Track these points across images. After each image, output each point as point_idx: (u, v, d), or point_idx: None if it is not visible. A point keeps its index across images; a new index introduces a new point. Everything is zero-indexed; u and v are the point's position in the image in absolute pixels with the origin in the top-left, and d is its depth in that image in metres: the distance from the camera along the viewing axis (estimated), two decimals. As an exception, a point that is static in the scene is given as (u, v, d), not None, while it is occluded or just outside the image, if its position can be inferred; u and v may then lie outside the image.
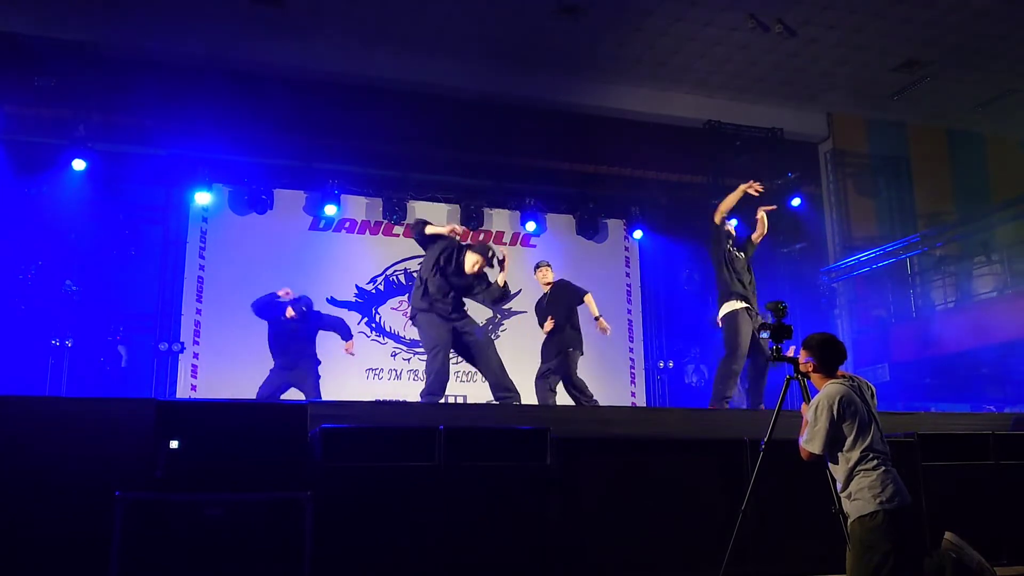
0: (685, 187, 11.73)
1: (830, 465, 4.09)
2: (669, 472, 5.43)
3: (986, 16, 9.62)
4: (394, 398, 9.42)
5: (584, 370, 7.89)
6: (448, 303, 6.78)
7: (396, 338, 10.39)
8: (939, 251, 11.52)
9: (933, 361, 10.56)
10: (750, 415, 6.96)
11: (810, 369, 4.25)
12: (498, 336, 10.89)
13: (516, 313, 10.94)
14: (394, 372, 10.30)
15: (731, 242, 7.48)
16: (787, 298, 5.31)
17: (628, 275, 11.65)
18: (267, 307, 7.79)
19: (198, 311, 9.79)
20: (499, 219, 11.27)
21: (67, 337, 8.99)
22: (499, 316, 10.96)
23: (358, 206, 10.71)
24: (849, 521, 3.98)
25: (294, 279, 10.00)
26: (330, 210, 10.27)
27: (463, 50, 10.15)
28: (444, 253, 6.85)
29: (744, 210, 11.29)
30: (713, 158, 11.40)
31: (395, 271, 10.62)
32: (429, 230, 6.91)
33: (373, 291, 10.46)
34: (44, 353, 8.89)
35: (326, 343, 8.09)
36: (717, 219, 7.42)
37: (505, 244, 11.28)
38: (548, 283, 8.04)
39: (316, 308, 8.14)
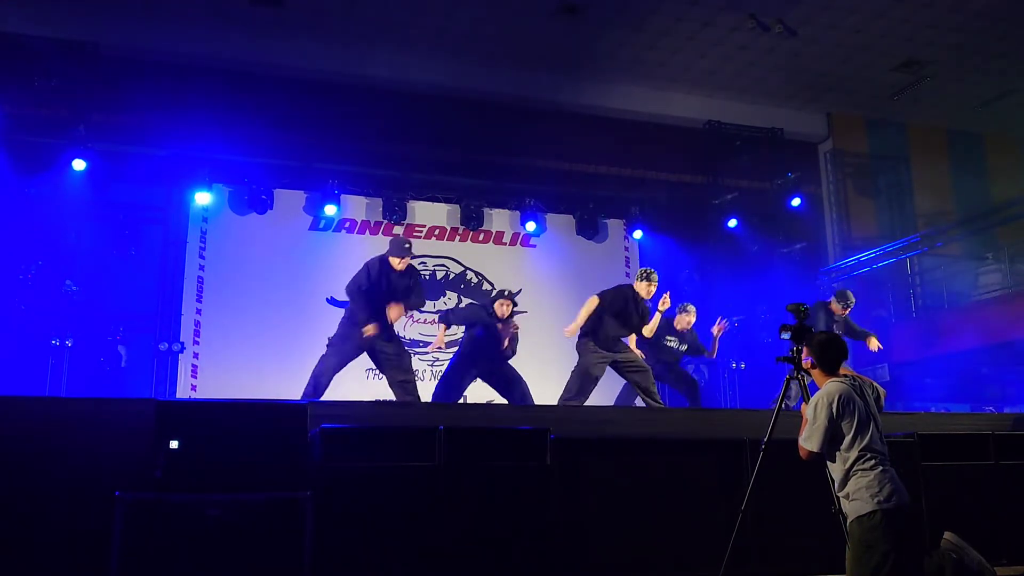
0: (685, 187, 11.72)
1: (828, 465, 4.10)
2: (669, 472, 5.43)
3: (986, 16, 9.62)
4: (394, 398, 9.40)
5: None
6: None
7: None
8: (939, 251, 11.52)
9: (933, 361, 10.56)
10: (750, 415, 6.96)
11: (810, 367, 4.26)
12: (498, 336, 10.89)
13: (516, 313, 10.93)
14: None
15: None
16: (787, 298, 5.30)
17: (628, 275, 11.61)
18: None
19: (198, 311, 9.78)
20: (499, 219, 11.27)
21: (67, 337, 8.97)
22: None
23: (358, 206, 10.70)
24: (848, 521, 3.98)
25: (294, 279, 10.06)
26: (330, 210, 10.26)
27: (463, 50, 10.15)
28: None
29: (744, 210, 11.38)
30: (713, 158, 11.41)
31: (395, 271, 10.62)
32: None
33: (373, 291, 10.45)
34: (44, 353, 8.86)
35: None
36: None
37: (505, 244, 11.29)
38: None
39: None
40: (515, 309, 7.63)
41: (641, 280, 7.39)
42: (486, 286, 11.04)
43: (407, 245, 7.17)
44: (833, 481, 4.13)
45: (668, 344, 8.16)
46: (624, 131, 11.19)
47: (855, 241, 11.96)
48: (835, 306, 8.34)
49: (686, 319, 8.26)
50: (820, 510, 4.62)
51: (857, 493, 3.90)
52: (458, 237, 11.06)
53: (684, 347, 8.33)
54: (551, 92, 10.74)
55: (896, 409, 9.08)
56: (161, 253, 9.97)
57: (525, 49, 10.17)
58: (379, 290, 6.98)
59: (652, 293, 7.36)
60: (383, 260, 7.06)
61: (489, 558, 4.89)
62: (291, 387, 7.45)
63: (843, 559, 4.01)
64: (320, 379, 6.88)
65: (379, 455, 4.89)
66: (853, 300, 8.39)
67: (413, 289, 7.23)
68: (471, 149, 10.74)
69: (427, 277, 10.64)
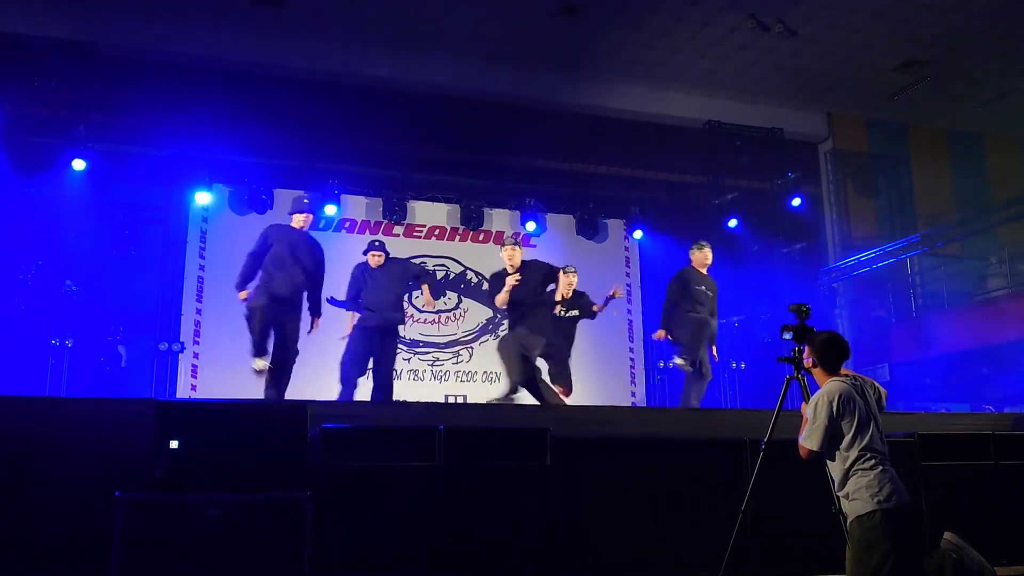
0: (685, 187, 11.74)
1: (828, 464, 4.10)
2: (669, 472, 5.43)
3: (986, 16, 9.62)
4: (394, 398, 9.41)
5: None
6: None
7: (396, 338, 10.40)
8: (939, 251, 11.53)
9: (933, 361, 10.56)
10: (750, 415, 6.96)
11: (811, 366, 4.26)
12: (497, 336, 10.89)
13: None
14: (394, 372, 10.29)
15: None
16: (787, 298, 5.31)
17: (628, 275, 11.65)
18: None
19: (198, 311, 9.79)
20: (499, 219, 11.28)
21: (67, 337, 8.97)
22: (499, 315, 10.95)
23: (358, 206, 10.71)
24: (848, 521, 3.98)
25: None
26: (330, 210, 10.27)
27: (463, 50, 10.15)
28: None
29: (744, 210, 11.38)
30: (713, 158, 11.41)
31: (395, 271, 10.61)
32: None
33: (373, 291, 10.44)
34: (44, 353, 8.87)
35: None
36: None
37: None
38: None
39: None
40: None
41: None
42: (486, 286, 11.03)
43: (305, 200, 7.30)
44: (833, 481, 4.13)
45: (560, 315, 7.81)
46: (624, 131, 11.19)
47: (855, 241, 11.96)
48: (694, 257, 7.92)
49: (566, 280, 7.70)
50: (820, 510, 4.62)
51: (857, 493, 3.90)
52: (458, 237, 11.07)
53: (574, 312, 7.90)
54: (551, 92, 10.73)
55: (896, 409, 9.08)
56: (161, 253, 9.98)
57: (525, 49, 10.16)
58: (279, 254, 7.08)
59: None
60: (281, 225, 7.17)
61: (489, 558, 4.89)
62: (291, 387, 7.46)
63: (843, 559, 4.01)
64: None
65: (379, 455, 4.89)
66: (706, 242, 8.01)
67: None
68: (471, 149, 10.74)
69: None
